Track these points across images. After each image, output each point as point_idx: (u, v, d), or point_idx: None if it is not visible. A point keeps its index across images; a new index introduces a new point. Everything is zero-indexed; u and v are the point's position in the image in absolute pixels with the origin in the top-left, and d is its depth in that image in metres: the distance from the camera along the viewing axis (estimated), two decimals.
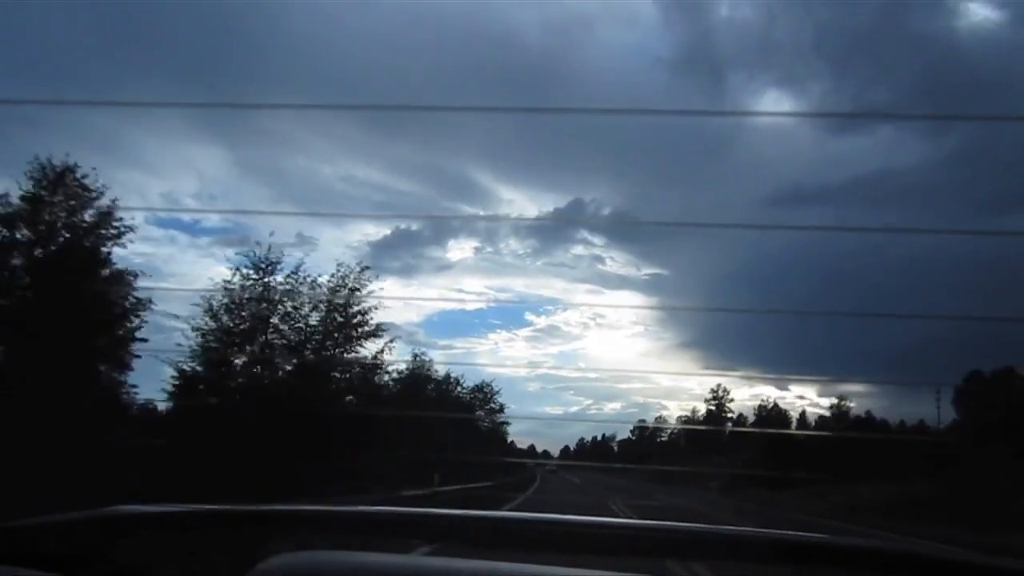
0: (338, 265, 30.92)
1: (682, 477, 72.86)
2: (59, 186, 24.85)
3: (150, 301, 25.96)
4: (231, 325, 28.03)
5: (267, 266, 28.55)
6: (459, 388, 48.02)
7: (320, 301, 29.69)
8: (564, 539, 2.40)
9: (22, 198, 24.35)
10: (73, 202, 24.88)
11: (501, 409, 53.44)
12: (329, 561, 2.30)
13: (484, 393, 51.24)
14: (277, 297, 28.57)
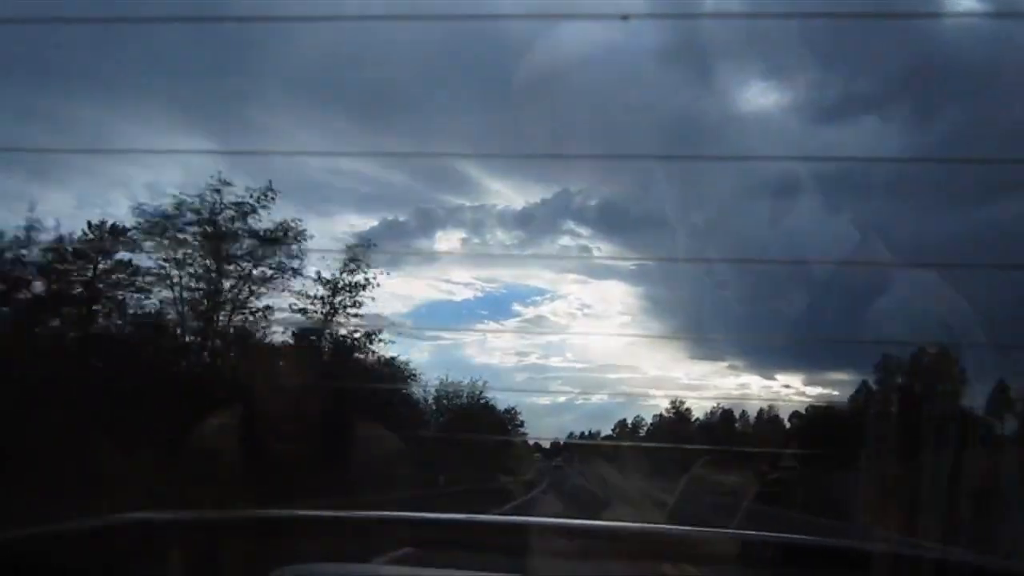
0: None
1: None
2: None
3: None
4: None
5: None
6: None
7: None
8: (558, 541, 2.46)
9: None
10: None
11: (513, 421, 45.90)
12: (334, 572, 2.37)
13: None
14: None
